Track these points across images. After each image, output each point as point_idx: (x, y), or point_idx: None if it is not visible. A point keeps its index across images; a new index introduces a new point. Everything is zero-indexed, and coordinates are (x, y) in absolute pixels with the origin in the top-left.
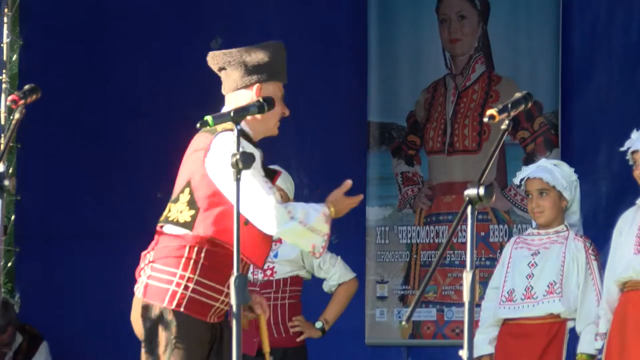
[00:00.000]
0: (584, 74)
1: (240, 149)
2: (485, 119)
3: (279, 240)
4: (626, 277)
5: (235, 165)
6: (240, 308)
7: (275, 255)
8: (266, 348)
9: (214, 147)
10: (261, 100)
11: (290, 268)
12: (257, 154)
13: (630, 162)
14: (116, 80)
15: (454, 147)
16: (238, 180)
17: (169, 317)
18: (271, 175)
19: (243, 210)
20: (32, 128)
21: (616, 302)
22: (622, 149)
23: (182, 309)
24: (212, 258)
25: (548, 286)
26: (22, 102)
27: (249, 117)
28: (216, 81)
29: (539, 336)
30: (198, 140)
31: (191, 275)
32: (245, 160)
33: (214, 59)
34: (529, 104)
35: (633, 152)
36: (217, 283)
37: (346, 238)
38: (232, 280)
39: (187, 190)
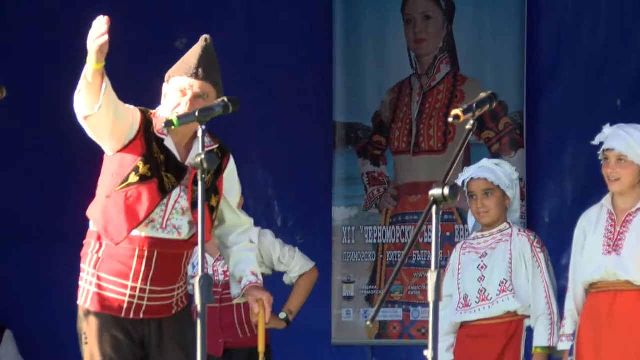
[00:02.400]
0: (550, 74)
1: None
2: (450, 119)
3: None
4: (597, 278)
5: (199, 164)
6: (205, 308)
7: None
8: (260, 347)
9: None
10: (226, 100)
11: None
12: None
13: (600, 158)
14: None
15: (420, 147)
16: (202, 179)
17: (80, 314)
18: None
19: None
20: None
21: (583, 302)
22: (593, 142)
23: (88, 306)
24: (108, 252)
25: (500, 285)
26: None
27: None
28: None
29: (497, 336)
30: None
31: (93, 270)
32: (210, 160)
33: None
34: (494, 104)
35: (605, 150)
36: (118, 277)
37: (312, 238)
38: (196, 280)
39: None
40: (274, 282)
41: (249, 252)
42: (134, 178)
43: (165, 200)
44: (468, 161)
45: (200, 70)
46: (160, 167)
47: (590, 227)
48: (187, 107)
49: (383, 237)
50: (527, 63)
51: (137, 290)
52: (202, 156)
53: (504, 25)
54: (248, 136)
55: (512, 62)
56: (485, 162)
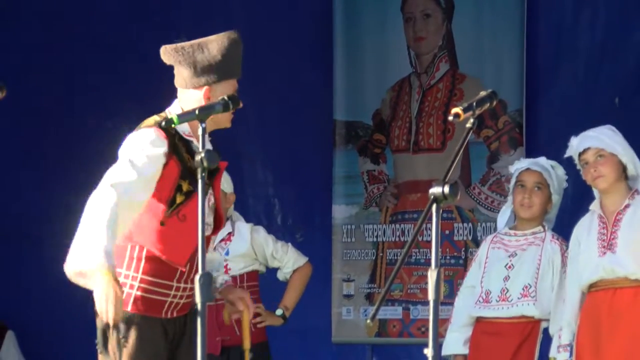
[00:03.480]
0: (549, 73)
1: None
2: (450, 118)
3: (228, 238)
4: (596, 278)
5: (199, 163)
6: (205, 306)
7: (227, 253)
8: (246, 345)
9: (123, 144)
10: (226, 98)
11: (244, 263)
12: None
13: (579, 167)
14: (78, 78)
15: (419, 146)
16: (202, 178)
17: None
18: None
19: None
20: None
21: (580, 308)
22: (565, 156)
23: (128, 309)
24: (151, 254)
25: (523, 289)
26: None
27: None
28: None
29: (512, 335)
30: None
31: (135, 274)
32: (210, 158)
33: (165, 55)
34: (494, 103)
35: (581, 154)
36: (163, 279)
37: (312, 236)
38: (196, 278)
39: None
40: (268, 279)
41: (215, 253)
42: (180, 198)
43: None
44: (467, 159)
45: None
46: (196, 174)
47: (584, 234)
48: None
49: (383, 235)
50: (526, 61)
51: (180, 290)
52: (202, 155)
53: (503, 23)
54: (248, 134)
55: (511, 60)
56: (543, 160)
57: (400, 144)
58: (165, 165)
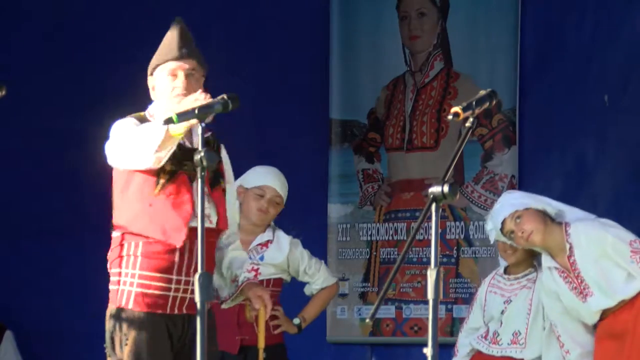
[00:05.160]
0: (542, 72)
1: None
2: (450, 117)
3: (266, 245)
4: (597, 319)
5: (199, 162)
6: (205, 305)
7: (261, 258)
8: (261, 344)
9: (110, 135)
10: (226, 97)
11: (274, 270)
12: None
13: (500, 244)
14: (74, 75)
15: (413, 144)
16: (202, 177)
17: (120, 315)
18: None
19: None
20: None
21: (587, 335)
22: (492, 241)
23: (130, 307)
24: (147, 250)
25: (513, 335)
26: None
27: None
28: None
29: None
30: None
31: (133, 271)
32: (210, 158)
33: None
34: (494, 102)
35: (502, 225)
36: (161, 272)
37: (308, 235)
38: (196, 277)
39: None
40: (291, 290)
41: (240, 252)
42: (164, 177)
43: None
44: (460, 158)
45: (184, 50)
46: (178, 158)
47: (553, 288)
48: (183, 87)
49: (377, 234)
50: (520, 60)
51: (182, 283)
52: (202, 154)
53: (497, 22)
54: (244, 133)
55: (505, 59)
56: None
57: (394, 143)
58: None
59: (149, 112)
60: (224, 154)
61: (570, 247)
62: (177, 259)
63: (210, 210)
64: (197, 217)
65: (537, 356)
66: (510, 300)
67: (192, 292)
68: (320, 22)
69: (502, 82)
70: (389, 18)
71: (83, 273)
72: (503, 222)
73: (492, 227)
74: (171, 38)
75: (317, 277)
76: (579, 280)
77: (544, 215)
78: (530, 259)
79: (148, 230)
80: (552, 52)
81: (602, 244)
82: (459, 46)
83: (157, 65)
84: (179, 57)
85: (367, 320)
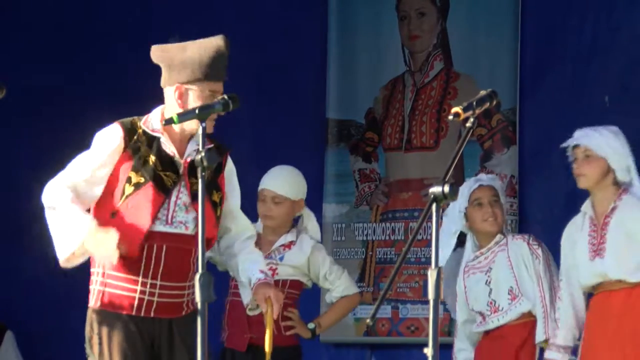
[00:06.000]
0: (542, 72)
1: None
2: (450, 117)
3: (288, 246)
4: (592, 283)
5: (199, 162)
6: (205, 305)
7: (281, 259)
8: (267, 348)
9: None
10: (226, 97)
11: (293, 272)
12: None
13: (571, 159)
14: (72, 79)
15: (412, 144)
16: (202, 177)
17: (92, 315)
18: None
19: None
20: None
21: (583, 308)
22: (563, 145)
23: (99, 306)
24: None
25: (509, 293)
26: None
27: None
28: None
29: (512, 336)
30: None
31: (100, 270)
32: (210, 158)
33: (153, 54)
34: (494, 102)
35: (573, 148)
36: (128, 274)
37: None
38: (196, 278)
39: None
40: (310, 296)
41: (255, 254)
42: (129, 189)
43: (167, 199)
44: (460, 158)
45: (225, 72)
46: (154, 168)
47: (576, 234)
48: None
49: (373, 234)
50: (520, 60)
51: (148, 286)
52: (202, 154)
53: (497, 22)
54: (240, 133)
55: (505, 59)
56: (483, 176)
57: (392, 143)
58: (118, 161)
59: (151, 117)
60: (230, 164)
61: (614, 209)
62: (144, 260)
63: (186, 218)
64: (169, 223)
65: (532, 306)
66: (490, 269)
67: (162, 296)
68: (318, 21)
69: (502, 82)
70: (388, 17)
71: (83, 273)
72: (577, 146)
73: (576, 137)
74: (218, 57)
75: (338, 284)
76: (601, 239)
77: (607, 171)
78: (503, 228)
79: None
80: (553, 52)
81: None
82: (459, 46)
83: (199, 80)
84: (221, 79)
85: (368, 321)
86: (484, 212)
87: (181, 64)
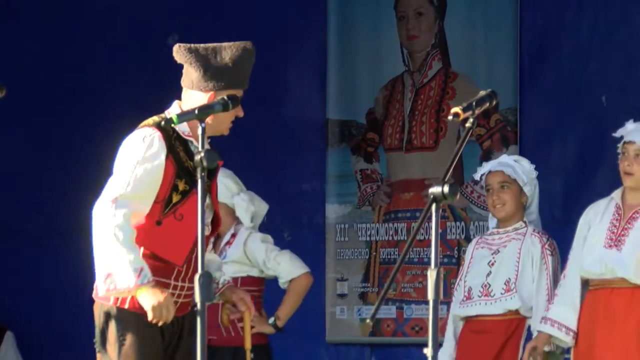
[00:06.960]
0: (540, 71)
1: (206, 147)
2: (450, 117)
3: (229, 244)
4: (596, 273)
5: (199, 163)
6: (205, 305)
7: (224, 257)
8: (247, 345)
9: (122, 146)
10: (226, 98)
11: (237, 268)
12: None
13: (619, 151)
14: (71, 78)
15: (412, 144)
16: (202, 178)
17: (115, 314)
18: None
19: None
20: None
21: (579, 291)
22: (614, 134)
23: (126, 306)
24: (150, 252)
25: (505, 284)
26: None
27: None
28: (174, 79)
29: (497, 332)
30: None
31: None
32: (210, 158)
33: (178, 53)
34: (494, 102)
35: (626, 143)
36: (161, 277)
37: (305, 235)
38: (196, 278)
39: None
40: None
41: (214, 255)
42: (176, 197)
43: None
44: (460, 158)
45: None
46: (193, 174)
47: (596, 218)
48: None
49: (376, 235)
50: (519, 60)
51: (178, 289)
52: (202, 154)
53: (495, 21)
54: (241, 133)
55: (504, 58)
56: (505, 158)
57: (393, 143)
58: (165, 169)
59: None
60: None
61: None
62: (177, 268)
63: (209, 219)
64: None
65: (529, 309)
66: (499, 251)
67: (184, 296)
68: (317, 22)
69: (500, 81)
70: (387, 18)
71: (84, 273)
72: (630, 142)
73: (629, 129)
74: (247, 64)
75: (279, 270)
76: (622, 231)
77: None
78: (521, 214)
79: (151, 246)
80: (551, 52)
81: None
82: (457, 46)
83: (231, 88)
84: (247, 85)
85: (368, 321)
86: (492, 198)
87: (217, 70)
